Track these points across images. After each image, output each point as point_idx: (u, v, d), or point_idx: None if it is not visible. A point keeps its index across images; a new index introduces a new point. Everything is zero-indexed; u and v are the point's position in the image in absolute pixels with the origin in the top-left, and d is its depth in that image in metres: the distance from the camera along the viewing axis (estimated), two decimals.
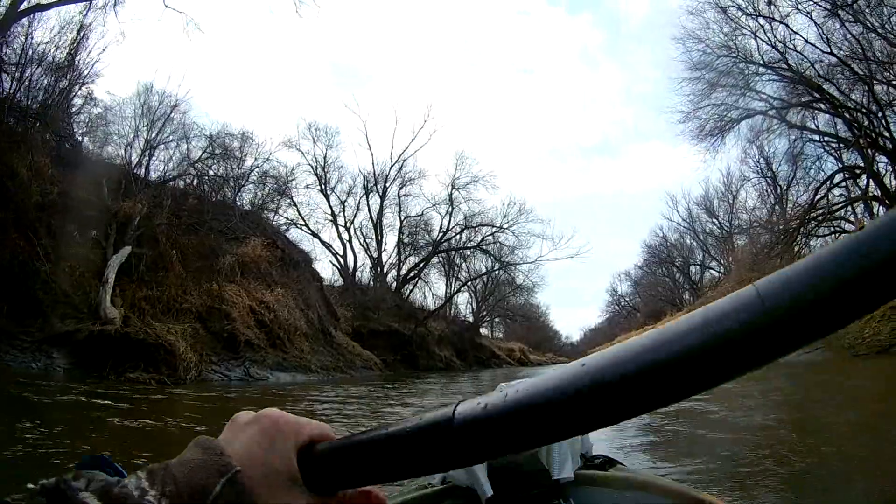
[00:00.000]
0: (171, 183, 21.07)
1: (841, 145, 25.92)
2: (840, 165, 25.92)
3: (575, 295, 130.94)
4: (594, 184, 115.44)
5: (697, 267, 51.03)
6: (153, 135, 21.06)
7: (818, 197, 25.56)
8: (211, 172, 22.96)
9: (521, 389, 0.43)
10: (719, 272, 47.05)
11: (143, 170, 20.54)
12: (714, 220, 46.06)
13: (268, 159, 28.16)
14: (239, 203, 25.09)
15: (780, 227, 27.11)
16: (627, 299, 68.41)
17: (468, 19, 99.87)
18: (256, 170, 27.36)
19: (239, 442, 0.53)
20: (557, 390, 0.41)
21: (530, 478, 0.97)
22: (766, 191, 36.10)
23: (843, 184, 26.28)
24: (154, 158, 21.41)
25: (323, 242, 36.97)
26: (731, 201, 43.53)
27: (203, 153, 22.64)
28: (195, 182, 22.45)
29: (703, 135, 28.38)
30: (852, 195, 26.74)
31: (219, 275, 18.24)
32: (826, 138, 26.15)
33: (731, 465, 4.63)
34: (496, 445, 0.44)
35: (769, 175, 35.10)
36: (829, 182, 25.70)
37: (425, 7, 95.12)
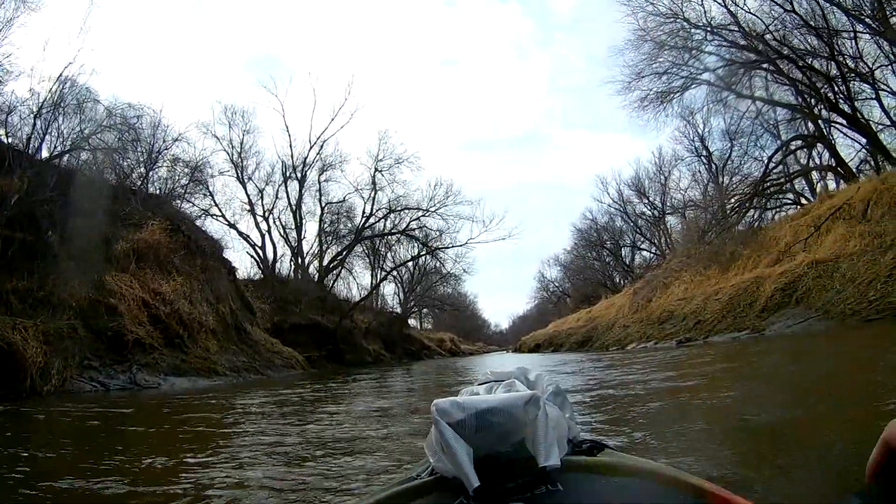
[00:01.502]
0: (60, 159, 18.04)
1: (796, 115, 24.62)
2: (795, 134, 24.91)
3: (504, 282, 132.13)
4: (523, 173, 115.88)
5: (628, 249, 50.44)
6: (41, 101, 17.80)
7: (772, 166, 24.49)
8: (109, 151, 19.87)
9: None
10: (652, 253, 46.78)
11: (30, 144, 17.30)
12: (645, 201, 45.63)
13: (177, 139, 25.75)
14: (143, 187, 22.53)
15: (718, 206, 26.22)
16: (556, 284, 67.94)
17: (394, 7, 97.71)
18: (165, 152, 25.13)
19: None
20: None
21: (517, 466, 0.90)
22: (700, 171, 36.26)
23: (795, 154, 25.65)
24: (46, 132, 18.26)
25: (240, 233, 34.67)
26: (663, 182, 43.46)
27: (99, 127, 19.53)
28: (91, 160, 19.38)
29: (644, 105, 26.86)
30: (803, 166, 26.21)
31: (109, 263, 15.43)
32: (777, 107, 25.12)
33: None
34: None
35: (704, 154, 35.06)
36: (784, 149, 24.70)
37: None
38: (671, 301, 21.88)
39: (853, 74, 20.98)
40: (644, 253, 49.15)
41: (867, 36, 21.01)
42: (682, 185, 40.56)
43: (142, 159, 23.21)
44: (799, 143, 24.84)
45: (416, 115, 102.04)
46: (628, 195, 47.05)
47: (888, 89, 21.25)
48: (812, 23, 20.99)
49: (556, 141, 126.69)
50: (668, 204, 43.34)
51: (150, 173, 24.14)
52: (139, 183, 22.62)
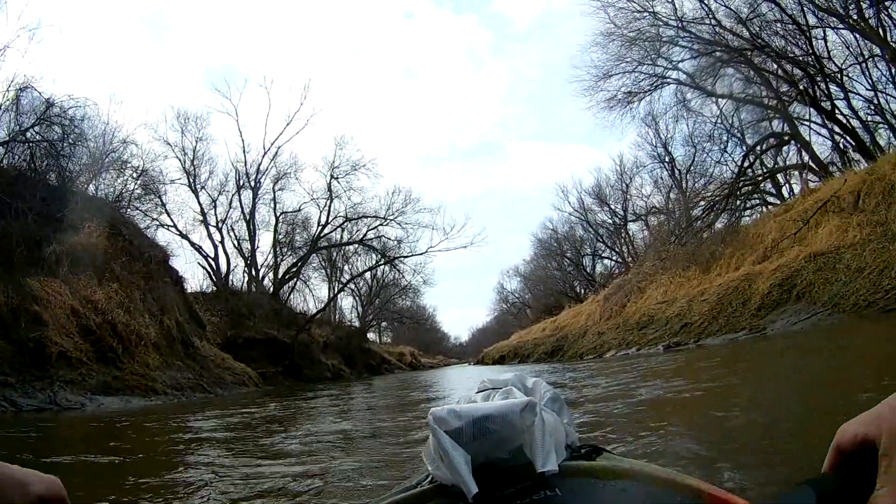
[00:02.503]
0: None
1: (768, 114, 24.40)
2: (764, 134, 24.43)
3: (463, 295, 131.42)
4: (480, 184, 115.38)
5: (589, 257, 50.04)
6: None
7: (746, 165, 24.08)
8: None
9: None
10: (613, 260, 46.62)
11: None
12: (607, 209, 45.08)
13: (126, 142, 24.06)
14: (86, 189, 20.72)
15: (688, 208, 25.69)
16: (517, 296, 67.03)
17: (353, 21, 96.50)
18: (112, 154, 23.32)
19: None
20: None
21: (515, 472, 0.91)
22: (662, 177, 36.09)
23: (761, 157, 25.08)
24: None
25: (192, 244, 32.88)
26: (624, 189, 42.90)
27: (38, 120, 17.83)
28: (25, 156, 17.67)
29: (611, 105, 26.57)
30: (778, 165, 25.89)
31: (37, 267, 13.72)
32: (743, 110, 24.93)
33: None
34: None
35: (667, 160, 34.78)
36: (760, 147, 24.25)
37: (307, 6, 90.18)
38: (650, 305, 20.92)
39: (837, 71, 20.70)
40: (605, 261, 48.96)
41: (833, 36, 20.96)
42: (644, 191, 40.39)
43: (86, 161, 21.42)
44: (773, 140, 24.36)
45: (374, 126, 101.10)
46: (589, 203, 46.42)
47: (855, 88, 21.17)
48: (790, 15, 20.54)
49: (512, 152, 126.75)
50: (630, 211, 42.98)
51: (96, 177, 22.31)
52: (85, 186, 20.83)
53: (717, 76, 23.91)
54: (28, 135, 17.74)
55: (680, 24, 23.68)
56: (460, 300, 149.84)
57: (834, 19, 20.28)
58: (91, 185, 21.85)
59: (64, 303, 13.00)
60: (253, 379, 20.84)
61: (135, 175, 24.78)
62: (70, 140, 18.57)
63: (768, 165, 25.27)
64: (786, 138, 23.48)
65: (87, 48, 49.91)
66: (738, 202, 22.94)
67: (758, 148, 24.09)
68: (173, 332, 17.39)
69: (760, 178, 24.90)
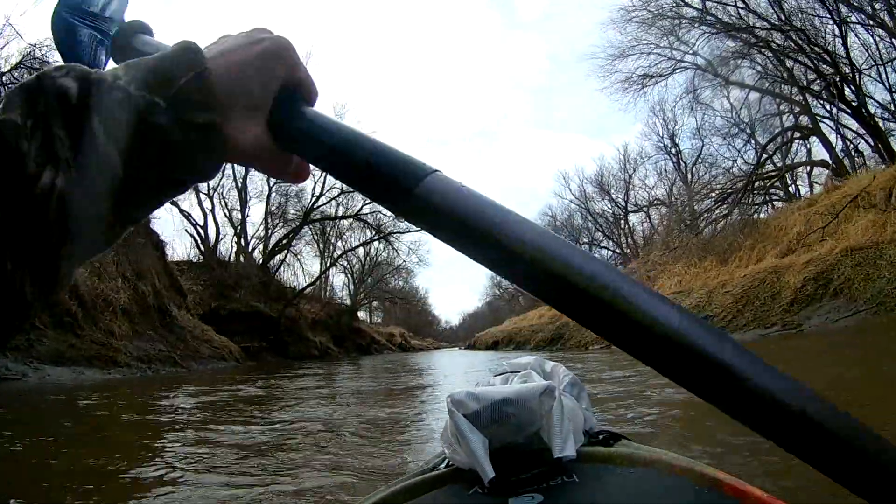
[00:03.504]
0: None
1: (783, 109, 23.86)
2: (783, 128, 23.80)
3: (455, 279, 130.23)
4: (478, 169, 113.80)
5: (587, 247, 49.09)
6: None
7: (764, 157, 23.37)
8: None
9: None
10: (611, 251, 46.11)
11: None
12: (608, 199, 45.12)
13: None
14: None
15: (689, 202, 25.69)
16: (510, 282, 66.14)
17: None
18: None
19: (231, 52, 0.53)
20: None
21: (532, 457, 0.91)
22: (666, 168, 36.37)
23: (785, 147, 24.59)
24: None
25: (181, 210, 31.83)
26: (627, 179, 42.82)
27: (19, 63, 16.83)
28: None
29: (626, 88, 26.03)
30: (794, 160, 25.43)
31: None
32: (756, 103, 24.29)
33: None
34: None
35: (674, 151, 34.81)
36: (781, 138, 23.51)
37: None
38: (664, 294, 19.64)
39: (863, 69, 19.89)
40: (603, 251, 47.99)
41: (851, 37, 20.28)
42: (648, 182, 41.68)
43: None
44: (791, 134, 23.87)
45: (375, 105, 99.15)
46: (590, 192, 46.44)
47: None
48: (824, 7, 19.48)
49: (512, 139, 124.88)
50: (631, 202, 42.94)
51: None
52: None
53: (737, 66, 23.15)
54: (4, 79, 16.60)
55: (703, 6, 22.72)
56: (452, 284, 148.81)
57: (861, 16, 19.64)
58: None
59: None
60: (234, 353, 19.57)
61: None
62: None
63: (775, 161, 24.63)
64: (806, 133, 22.87)
65: None
66: (756, 194, 22.53)
67: (777, 140, 23.38)
68: (149, 298, 16.03)
69: (775, 173, 24.17)
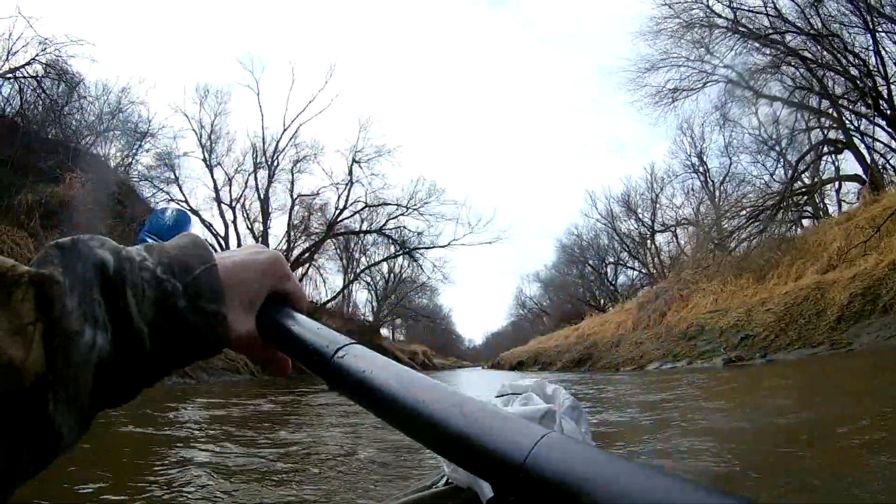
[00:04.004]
0: None
1: (821, 120, 23.02)
2: (816, 142, 23.01)
3: (479, 298, 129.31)
4: (502, 188, 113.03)
5: (612, 266, 48.73)
6: None
7: (799, 171, 22.52)
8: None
9: None
10: (637, 271, 45.46)
11: None
12: (634, 218, 44.15)
13: (133, 102, 23.05)
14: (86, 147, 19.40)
15: (716, 220, 24.87)
16: (535, 301, 65.42)
17: (384, 11, 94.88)
18: (119, 115, 22.40)
19: (234, 256, 0.61)
20: None
21: None
22: (693, 187, 35.54)
23: (815, 163, 23.61)
24: None
25: (202, 220, 31.43)
26: (654, 198, 41.97)
27: (33, 59, 16.46)
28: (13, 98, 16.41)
29: (656, 101, 25.33)
30: (824, 176, 24.47)
31: (3, 216, 11.89)
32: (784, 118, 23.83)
33: None
34: None
35: (701, 170, 34.15)
36: (814, 152, 22.67)
37: None
38: (698, 314, 19.12)
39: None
40: (628, 272, 47.79)
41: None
42: (675, 202, 39.82)
43: (86, 115, 19.93)
44: (824, 148, 22.89)
45: (399, 119, 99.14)
46: (617, 211, 45.44)
47: None
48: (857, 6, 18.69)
49: (537, 157, 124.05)
50: (657, 221, 41.94)
51: (101, 137, 21.33)
52: (89, 146, 19.62)
53: (768, 78, 22.58)
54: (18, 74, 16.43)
55: (734, 17, 22.21)
56: (476, 303, 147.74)
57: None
58: (100, 148, 20.63)
59: (22, 256, 11.04)
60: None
61: (139, 136, 22.99)
62: (63, 82, 17.03)
63: (804, 178, 23.60)
64: (840, 147, 21.92)
65: (106, 21, 48.13)
66: (791, 211, 21.45)
67: (809, 155, 22.67)
68: None
69: (806, 189, 23.26)
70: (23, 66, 16.15)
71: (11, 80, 16.03)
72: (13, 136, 14.50)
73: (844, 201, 24.70)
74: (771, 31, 21.27)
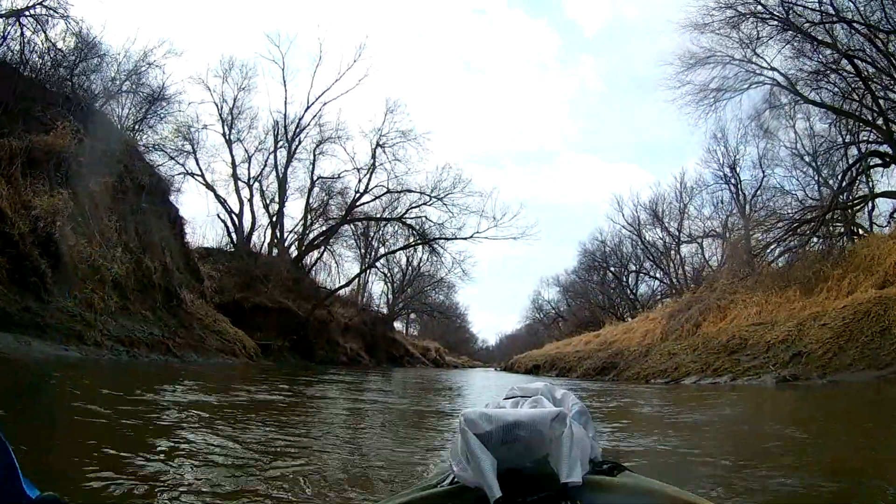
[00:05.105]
0: None
1: (861, 132, 21.74)
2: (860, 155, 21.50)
3: (495, 298, 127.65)
4: (528, 191, 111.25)
5: (634, 275, 48.23)
6: None
7: (844, 184, 21.02)
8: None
9: None
10: (660, 281, 44.68)
11: None
12: (660, 226, 43.13)
13: (151, 64, 21.87)
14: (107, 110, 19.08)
15: (749, 230, 24.54)
16: (552, 306, 64.10)
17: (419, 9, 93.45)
18: (133, 77, 21.32)
19: None
20: None
21: (539, 481, 0.95)
22: (723, 199, 34.66)
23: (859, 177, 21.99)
24: None
25: (217, 196, 30.60)
26: (682, 208, 41.01)
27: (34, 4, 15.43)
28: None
29: (698, 100, 23.59)
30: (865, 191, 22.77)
31: None
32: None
33: None
34: None
35: (733, 181, 33.24)
36: (860, 164, 20.94)
37: None
38: (740, 326, 17.67)
39: None
40: (650, 281, 47.10)
41: None
42: (704, 213, 38.67)
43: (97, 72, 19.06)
44: (873, 160, 21.21)
45: (427, 113, 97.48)
46: (643, 219, 44.43)
47: None
48: None
49: (563, 163, 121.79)
50: (684, 232, 40.93)
51: (114, 98, 20.33)
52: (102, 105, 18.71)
53: (816, 85, 21.38)
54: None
55: (785, 17, 20.65)
56: (491, 304, 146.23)
57: None
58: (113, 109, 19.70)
59: None
60: (247, 350, 17.69)
61: (152, 99, 21.74)
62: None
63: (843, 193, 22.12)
64: (888, 161, 20.40)
65: None
66: (836, 223, 20.70)
67: (855, 168, 21.10)
68: (154, 276, 14.10)
69: (854, 202, 21.97)
70: (26, 9, 15.24)
71: (13, 23, 15.05)
72: (10, 81, 13.42)
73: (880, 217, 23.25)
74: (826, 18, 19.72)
